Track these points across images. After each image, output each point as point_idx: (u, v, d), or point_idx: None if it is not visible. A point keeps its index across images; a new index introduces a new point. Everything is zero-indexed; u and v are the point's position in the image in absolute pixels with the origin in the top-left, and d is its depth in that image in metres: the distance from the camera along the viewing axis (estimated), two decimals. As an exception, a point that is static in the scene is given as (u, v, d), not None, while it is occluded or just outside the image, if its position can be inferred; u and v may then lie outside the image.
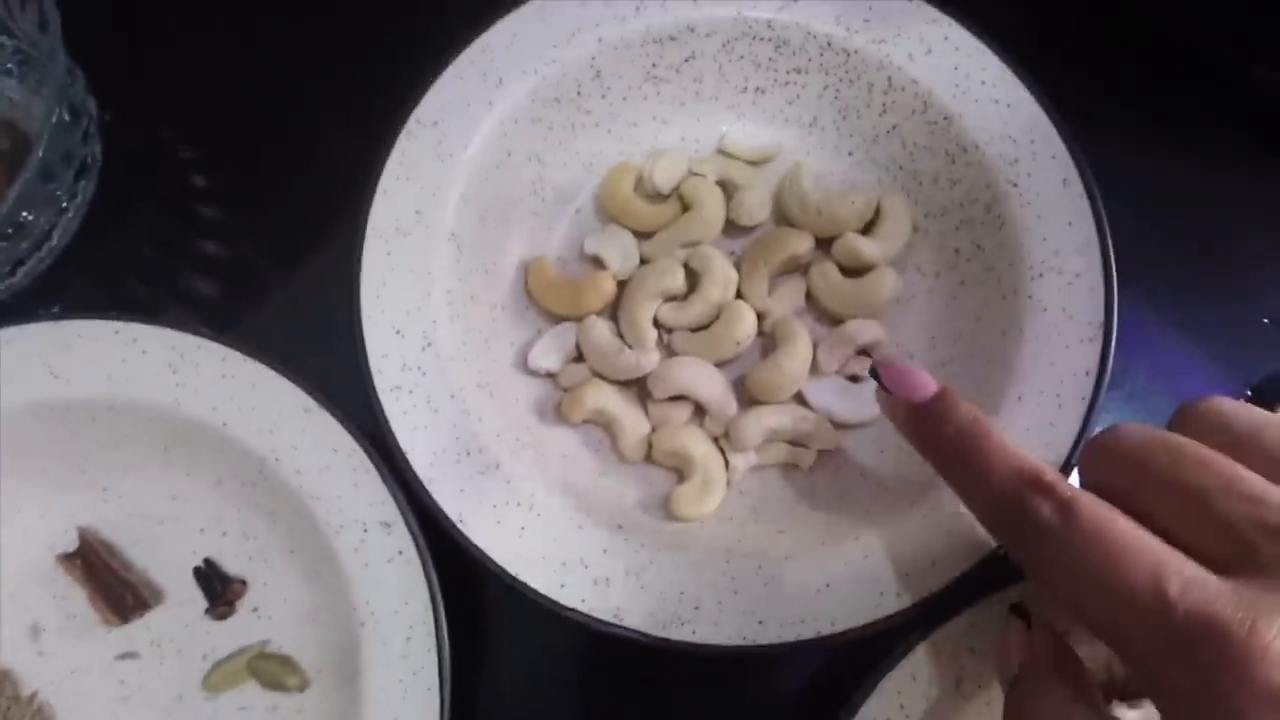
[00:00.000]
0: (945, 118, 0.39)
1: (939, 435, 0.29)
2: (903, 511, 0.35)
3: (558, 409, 0.38)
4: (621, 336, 0.39)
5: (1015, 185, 0.38)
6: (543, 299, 0.40)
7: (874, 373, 0.32)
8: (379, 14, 0.47)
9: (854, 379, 0.39)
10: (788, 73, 0.41)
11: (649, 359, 0.38)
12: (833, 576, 0.34)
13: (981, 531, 0.33)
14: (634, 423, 0.38)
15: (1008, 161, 0.38)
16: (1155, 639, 0.22)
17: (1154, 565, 0.22)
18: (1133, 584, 0.22)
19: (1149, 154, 0.43)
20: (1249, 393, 0.40)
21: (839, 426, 0.38)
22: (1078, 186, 0.37)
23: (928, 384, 0.30)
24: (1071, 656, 0.29)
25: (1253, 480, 0.23)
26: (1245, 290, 0.43)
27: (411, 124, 0.39)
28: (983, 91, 0.39)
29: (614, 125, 0.42)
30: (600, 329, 0.38)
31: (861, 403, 0.38)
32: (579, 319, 0.39)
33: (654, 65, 0.41)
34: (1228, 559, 0.22)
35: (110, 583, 0.38)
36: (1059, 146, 0.38)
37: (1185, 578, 0.22)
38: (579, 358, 0.39)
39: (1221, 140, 0.45)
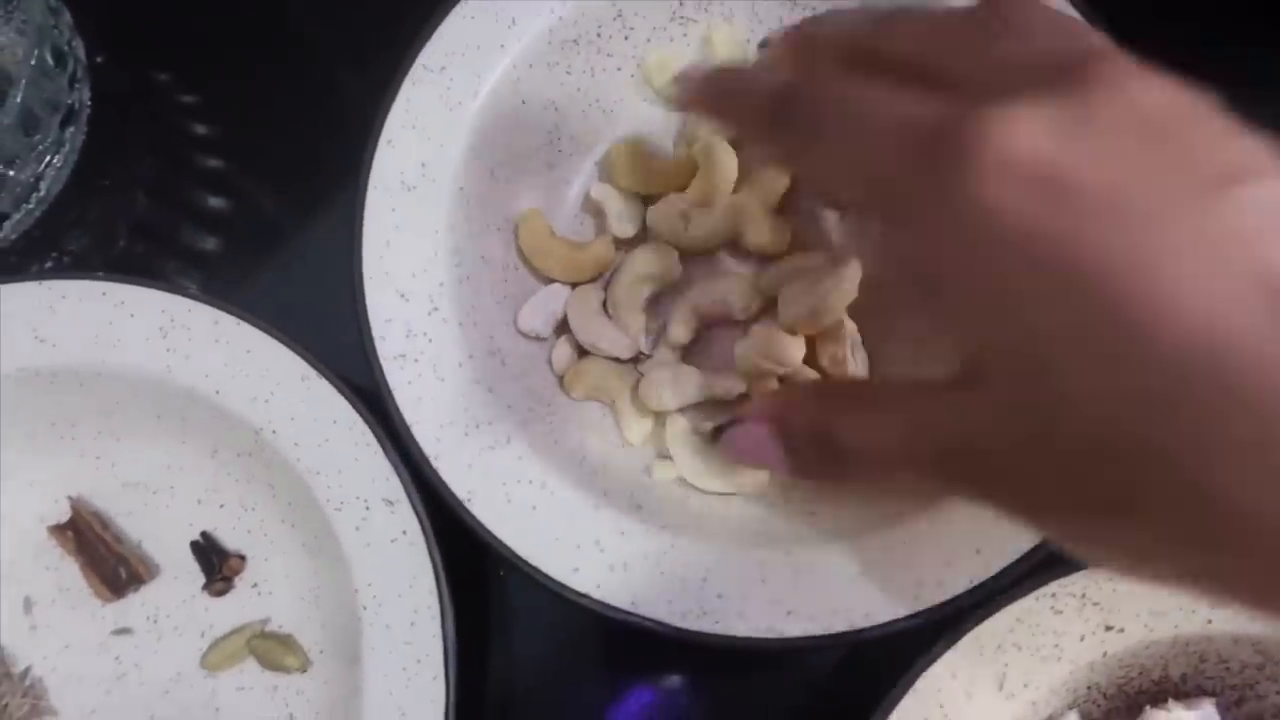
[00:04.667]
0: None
1: (709, 87, 0.28)
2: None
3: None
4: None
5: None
6: (536, 260, 0.37)
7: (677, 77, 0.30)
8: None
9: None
10: (829, 10, 0.38)
11: (634, 343, 0.35)
12: (868, 565, 0.31)
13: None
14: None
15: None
16: (900, 160, 0.21)
17: (908, 100, 0.22)
18: (886, 117, 0.22)
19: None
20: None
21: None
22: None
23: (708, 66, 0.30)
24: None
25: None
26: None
27: (417, 69, 0.36)
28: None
29: (637, 70, 0.39)
30: (590, 301, 0.36)
31: None
32: (573, 285, 0.36)
33: (681, 4, 0.38)
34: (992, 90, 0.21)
35: (103, 556, 0.36)
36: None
37: (934, 102, 0.21)
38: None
39: None
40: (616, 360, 0.35)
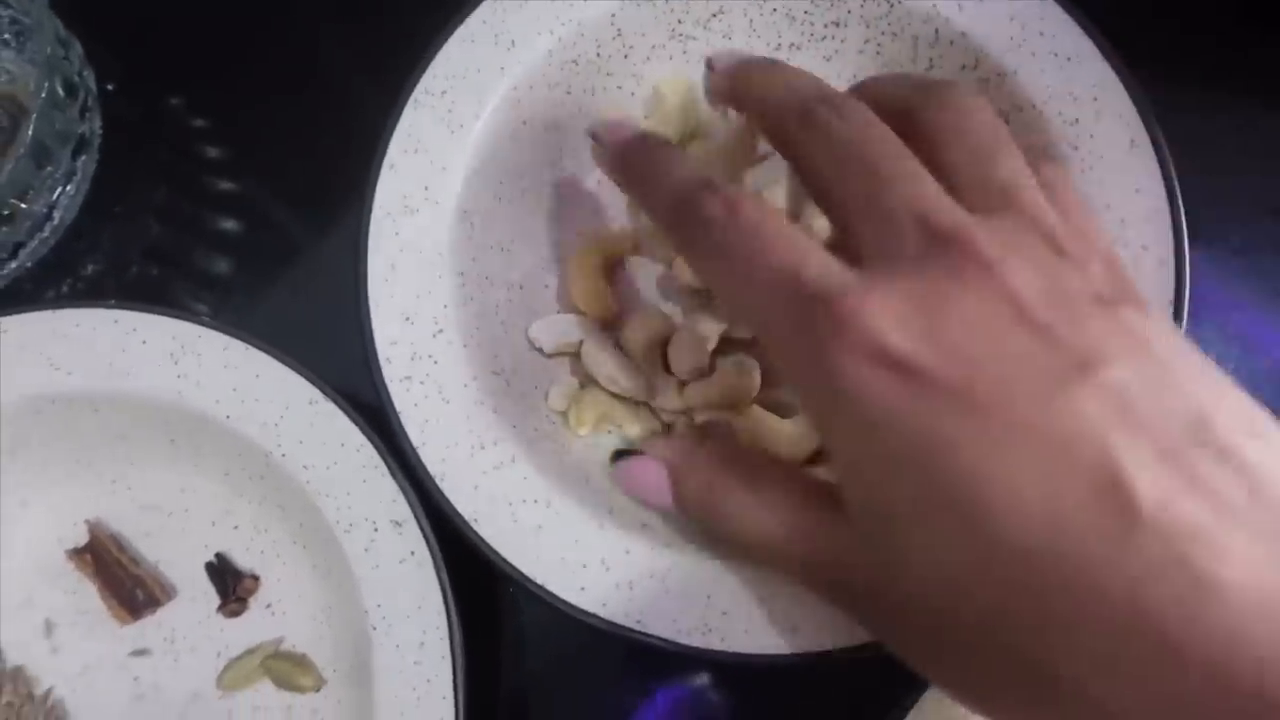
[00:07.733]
0: (999, 74, 0.36)
1: (627, 159, 0.30)
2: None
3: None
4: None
5: (1076, 148, 0.34)
6: (577, 294, 0.37)
7: (591, 133, 0.32)
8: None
9: None
10: (825, 26, 0.38)
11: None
12: (872, 580, 0.31)
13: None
14: (648, 424, 0.35)
15: (1068, 122, 0.35)
16: (784, 315, 0.23)
17: (798, 253, 0.24)
18: (777, 267, 0.24)
19: (1228, 110, 0.39)
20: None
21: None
22: (1147, 149, 0.34)
23: (632, 128, 0.31)
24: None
25: (926, 180, 0.24)
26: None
27: (419, 93, 0.36)
28: (1041, 44, 0.35)
29: (638, 88, 0.39)
30: (606, 341, 0.36)
31: None
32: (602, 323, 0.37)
33: (679, 21, 0.38)
34: (873, 250, 0.24)
35: (121, 578, 0.36)
36: (1126, 105, 0.34)
37: (821, 263, 0.23)
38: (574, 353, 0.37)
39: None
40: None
